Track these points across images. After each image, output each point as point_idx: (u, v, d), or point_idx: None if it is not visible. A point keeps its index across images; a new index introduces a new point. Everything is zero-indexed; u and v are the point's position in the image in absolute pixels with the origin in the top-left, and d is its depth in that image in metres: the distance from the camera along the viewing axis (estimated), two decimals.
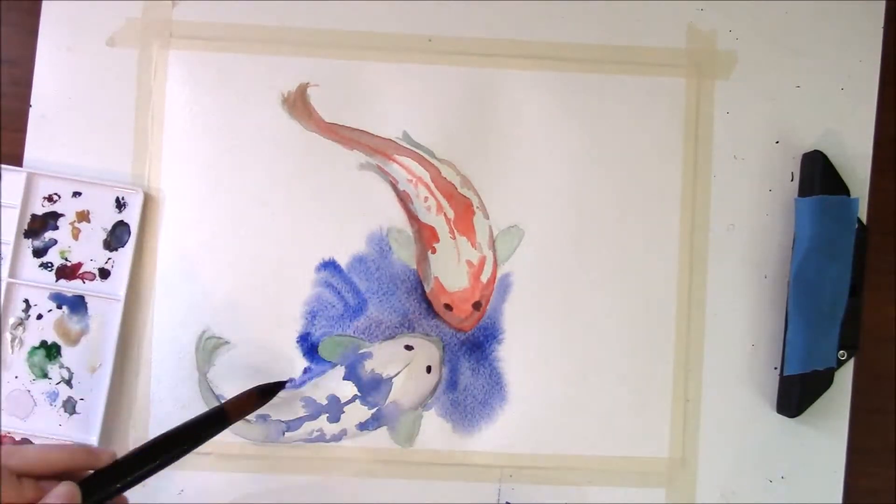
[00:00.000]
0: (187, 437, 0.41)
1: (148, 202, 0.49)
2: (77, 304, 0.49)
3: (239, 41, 0.50)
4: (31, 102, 0.49)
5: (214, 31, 0.50)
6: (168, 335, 0.49)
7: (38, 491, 0.35)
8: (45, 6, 0.50)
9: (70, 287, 0.49)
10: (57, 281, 0.49)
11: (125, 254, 0.49)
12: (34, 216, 0.49)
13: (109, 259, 0.49)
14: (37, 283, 0.49)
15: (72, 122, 0.49)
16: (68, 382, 0.49)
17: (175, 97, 0.50)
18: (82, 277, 0.49)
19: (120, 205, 0.49)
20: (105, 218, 0.49)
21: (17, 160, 0.49)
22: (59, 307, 0.49)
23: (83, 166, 0.49)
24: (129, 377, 0.49)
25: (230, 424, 0.43)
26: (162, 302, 0.49)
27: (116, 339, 0.48)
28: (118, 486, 0.38)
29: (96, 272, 0.49)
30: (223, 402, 0.45)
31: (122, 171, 0.49)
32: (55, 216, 0.49)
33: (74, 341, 0.49)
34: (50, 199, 0.49)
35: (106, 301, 0.49)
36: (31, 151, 0.49)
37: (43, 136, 0.49)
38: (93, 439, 0.48)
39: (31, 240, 0.49)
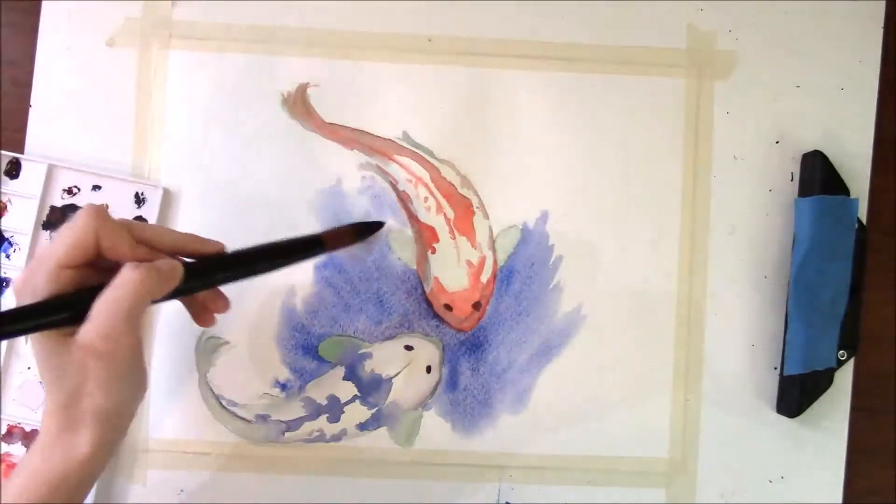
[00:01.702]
0: (283, 251, 0.41)
1: (166, 198, 0.49)
2: None
3: (239, 41, 0.50)
4: (31, 102, 0.49)
5: (214, 31, 0.50)
6: (168, 335, 0.49)
7: (151, 255, 0.36)
8: (45, 6, 0.50)
9: None
10: None
11: None
12: (53, 208, 0.49)
13: None
14: None
15: (72, 122, 0.49)
16: None
17: (175, 97, 0.50)
18: None
19: (139, 200, 0.49)
20: (124, 213, 0.49)
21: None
22: None
23: (83, 166, 0.49)
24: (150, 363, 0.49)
25: (325, 252, 0.44)
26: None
27: None
28: (217, 276, 0.39)
29: None
30: (320, 231, 0.45)
31: (121, 171, 0.49)
32: (74, 209, 0.49)
33: None
34: (70, 191, 0.49)
35: None
36: (31, 151, 0.49)
37: (43, 137, 0.49)
38: None
39: (49, 232, 0.49)
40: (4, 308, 0.34)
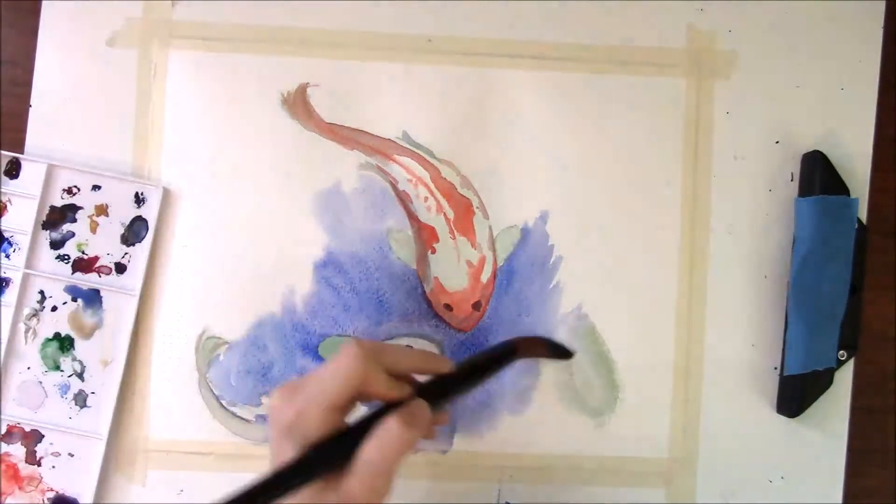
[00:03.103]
0: (491, 363, 0.41)
1: (166, 198, 0.49)
2: (92, 298, 0.49)
3: (239, 41, 0.50)
4: (31, 102, 0.49)
5: (214, 31, 0.50)
6: (167, 335, 0.49)
7: (401, 391, 0.36)
8: (45, 6, 0.50)
9: (86, 280, 0.49)
10: (73, 274, 0.49)
11: (142, 249, 0.49)
12: (53, 208, 0.49)
13: (126, 254, 0.49)
14: (53, 275, 0.49)
15: (72, 122, 0.49)
16: (80, 375, 0.49)
17: (175, 97, 0.50)
18: (98, 271, 0.49)
19: (139, 200, 0.49)
20: (124, 213, 0.49)
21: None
22: (74, 300, 0.49)
23: (83, 166, 0.49)
24: (141, 372, 0.49)
25: (518, 359, 0.42)
26: (162, 301, 0.49)
27: (129, 335, 0.49)
28: (449, 396, 0.39)
29: (112, 266, 0.49)
30: (514, 338, 0.44)
31: (121, 171, 0.49)
32: (74, 209, 0.49)
33: (88, 335, 0.49)
34: (69, 191, 0.49)
35: (121, 296, 0.49)
36: (30, 151, 0.49)
37: (43, 137, 0.49)
38: (102, 434, 0.48)
39: (48, 231, 0.49)
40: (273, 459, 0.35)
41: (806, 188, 0.49)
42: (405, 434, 0.34)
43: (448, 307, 0.50)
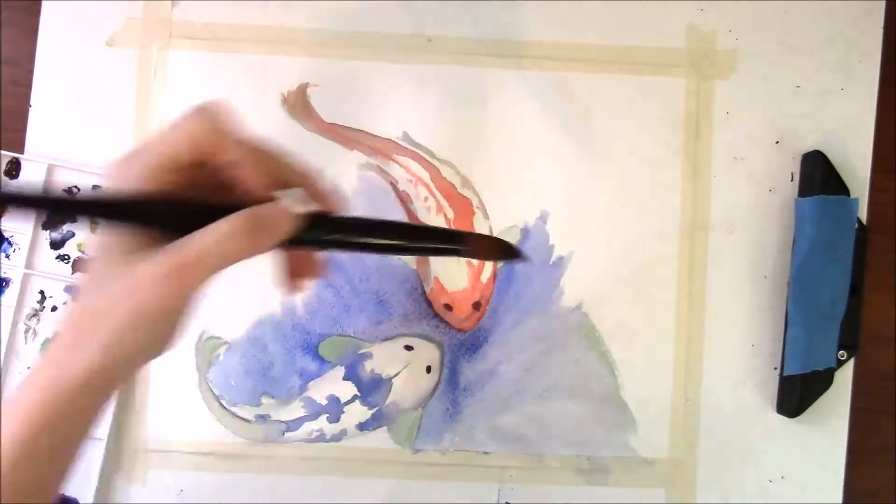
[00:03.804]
0: (415, 233, 0.35)
1: None
2: None
3: (239, 41, 0.50)
4: (31, 102, 0.49)
5: (214, 31, 0.50)
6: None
7: (267, 181, 0.31)
8: (45, 6, 0.50)
9: None
10: (73, 274, 0.49)
11: None
12: None
13: None
14: (53, 275, 0.49)
15: (72, 122, 0.49)
16: None
17: (175, 97, 0.50)
18: None
19: None
20: None
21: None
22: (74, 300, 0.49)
23: (83, 166, 0.49)
24: (140, 373, 0.49)
25: (460, 251, 0.34)
26: None
27: None
28: (330, 237, 0.32)
29: None
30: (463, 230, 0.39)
31: None
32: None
33: None
34: (69, 191, 0.49)
35: None
36: (30, 151, 0.49)
37: (43, 136, 0.49)
38: (102, 435, 0.48)
39: (49, 231, 0.49)
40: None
41: (806, 188, 0.49)
42: (246, 238, 0.29)
43: (448, 307, 0.50)
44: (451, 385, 0.50)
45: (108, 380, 0.30)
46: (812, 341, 0.48)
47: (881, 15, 0.51)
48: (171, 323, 0.31)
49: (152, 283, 0.29)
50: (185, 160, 0.30)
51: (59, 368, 0.29)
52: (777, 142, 0.51)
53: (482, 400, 0.50)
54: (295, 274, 0.35)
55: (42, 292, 0.49)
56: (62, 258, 0.49)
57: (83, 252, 0.49)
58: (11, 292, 0.48)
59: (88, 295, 0.30)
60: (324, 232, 0.32)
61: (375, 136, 0.50)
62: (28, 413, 0.29)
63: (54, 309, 0.49)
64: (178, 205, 0.30)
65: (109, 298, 0.29)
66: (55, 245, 0.49)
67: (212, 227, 0.29)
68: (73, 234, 0.49)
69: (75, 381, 0.29)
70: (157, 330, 0.30)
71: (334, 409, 0.49)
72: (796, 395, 0.48)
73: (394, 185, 0.50)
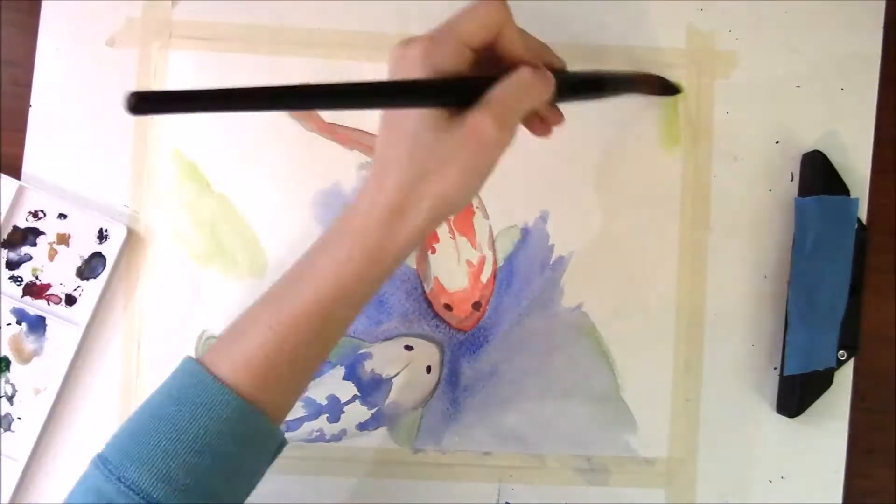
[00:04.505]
0: (623, 80, 0.47)
1: (134, 239, 0.49)
2: (36, 324, 0.48)
3: (239, 41, 0.50)
4: (31, 102, 0.49)
5: (214, 31, 0.50)
6: (168, 335, 0.49)
7: (534, 62, 0.35)
8: (45, 6, 0.50)
9: (34, 306, 0.48)
10: (22, 297, 0.49)
11: (96, 285, 0.48)
12: (16, 228, 0.49)
13: (79, 287, 0.49)
14: (2, 294, 0.48)
15: (72, 121, 0.49)
16: (10, 399, 0.48)
17: None
18: (48, 299, 0.49)
19: (102, 236, 0.49)
20: (84, 246, 0.49)
21: (17, 160, 0.49)
22: (19, 323, 0.48)
23: (84, 166, 0.49)
24: (78, 404, 0.49)
25: (630, 92, 0.46)
26: (161, 301, 0.49)
27: (67, 368, 0.48)
28: (575, 93, 0.40)
29: (63, 297, 0.49)
30: (631, 72, 0.47)
31: (122, 171, 0.49)
32: (36, 233, 0.49)
33: (26, 360, 0.48)
34: (35, 214, 0.49)
35: (66, 327, 0.48)
36: (31, 151, 0.49)
37: (43, 136, 0.49)
38: (20, 460, 0.47)
39: (6, 251, 0.48)
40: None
41: (806, 188, 0.49)
42: (538, 82, 0.34)
43: (448, 307, 0.50)
44: (451, 385, 0.50)
45: (418, 244, 0.36)
46: (812, 341, 0.48)
47: (881, 15, 0.51)
48: (489, 173, 0.34)
49: (490, 132, 0.32)
50: (481, 42, 0.33)
51: (382, 235, 0.33)
52: (777, 142, 0.51)
53: (482, 400, 0.50)
54: (541, 123, 0.40)
55: None
56: (15, 279, 0.48)
57: (37, 277, 0.48)
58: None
59: (409, 164, 0.33)
60: (567, 88, 0.38)
61: (375, 136, 0.50)
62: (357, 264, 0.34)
63: None
64: (476, 81, 0.33)
65: (438, 158, 0.33)
66: (10, 265, 0.48)
67: (505, 82, 0.33)
68: (31, 258, 0.48)
69: (400, 246, 0.34)
70: (482, 182, 0.34)
71: (334, 409, 0.49)
72: (796, 395, 0.48)
73: None
